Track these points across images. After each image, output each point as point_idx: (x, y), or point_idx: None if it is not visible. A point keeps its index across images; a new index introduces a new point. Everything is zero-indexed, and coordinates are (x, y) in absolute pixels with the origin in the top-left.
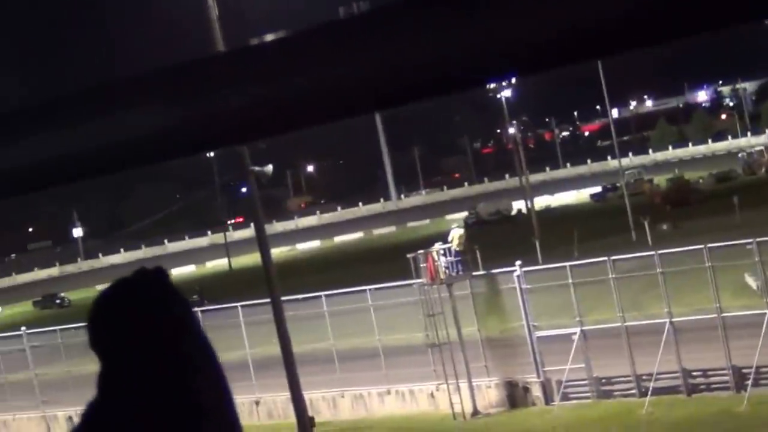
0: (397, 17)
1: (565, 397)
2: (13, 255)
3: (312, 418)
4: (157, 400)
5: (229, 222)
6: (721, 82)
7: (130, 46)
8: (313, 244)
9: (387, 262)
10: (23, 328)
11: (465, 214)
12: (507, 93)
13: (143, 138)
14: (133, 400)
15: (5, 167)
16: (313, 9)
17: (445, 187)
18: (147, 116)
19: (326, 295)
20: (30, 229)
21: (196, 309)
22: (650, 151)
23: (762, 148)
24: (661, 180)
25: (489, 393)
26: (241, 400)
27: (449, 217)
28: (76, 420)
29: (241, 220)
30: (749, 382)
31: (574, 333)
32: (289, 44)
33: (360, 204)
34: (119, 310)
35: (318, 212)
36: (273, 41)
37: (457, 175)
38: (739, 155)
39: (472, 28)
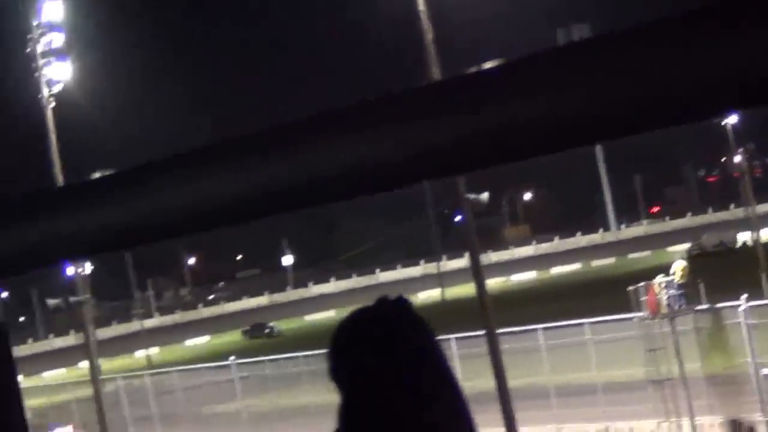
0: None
1: None
2: (221, 283)
3: None
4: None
5: (652, 210)
6: None
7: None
8: (529, 275)
9: (606, 295)
10: (232, 357)
11: (688, 245)
12: (732, 120)
13: (375, 166)
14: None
15: (238, 195)
16: (530, 32)
17: (667, 218)
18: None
19: (543, 328)
20: (239, 258)
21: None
22: None
23: None
24: None
25: None
26: None
27: (671, 248)
28: None
29: (657, 209)
30: None
31: None
32: (517, 69)
33: (578, 234)
34: (361, 339)
35: (534, 242)
36: (503, 65)
37: (655, 210)
38: None
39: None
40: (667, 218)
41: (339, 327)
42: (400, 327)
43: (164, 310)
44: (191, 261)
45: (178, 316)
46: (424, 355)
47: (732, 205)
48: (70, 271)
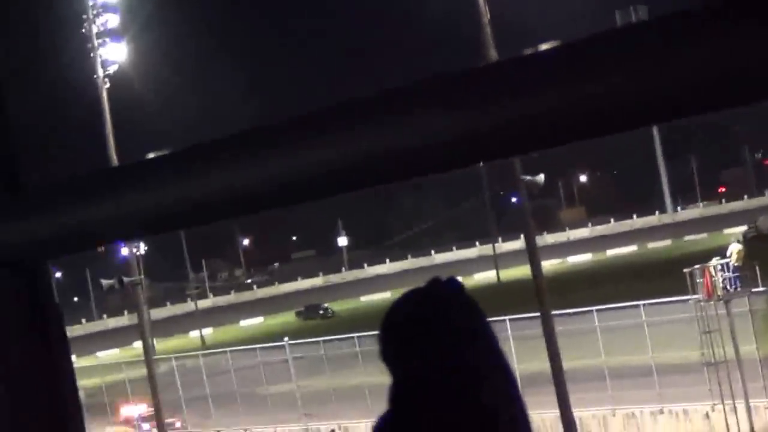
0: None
1: None
2: (276, 264)
3: None
4: (449, 414)
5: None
6: None
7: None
8: (585, 257)
9: (661, 277)
10: (286, 338)
11: (744, 228)
12: None
13: (430, 146)
14: (425, 414)
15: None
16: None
17: (723, 200)
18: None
19: (598, 310)
20: (294, 238)
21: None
22: None
23: None
24: None
25: (767, 414)
26: None
27: (727, 231)
28: None
29: (722, 190)
30: None
31: None
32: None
33: (634, 216)
34: (413, 320)
35: (590, 224)
36: (556, 48)
37: (721, 190)
38: None
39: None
40: (723, 201)
41: (390, 308)
42: (451, 308)
43: (219, 291)
44: (246, 242)
45: (232, 297)
46: (475, 337)
47: None
48: (124, 251)
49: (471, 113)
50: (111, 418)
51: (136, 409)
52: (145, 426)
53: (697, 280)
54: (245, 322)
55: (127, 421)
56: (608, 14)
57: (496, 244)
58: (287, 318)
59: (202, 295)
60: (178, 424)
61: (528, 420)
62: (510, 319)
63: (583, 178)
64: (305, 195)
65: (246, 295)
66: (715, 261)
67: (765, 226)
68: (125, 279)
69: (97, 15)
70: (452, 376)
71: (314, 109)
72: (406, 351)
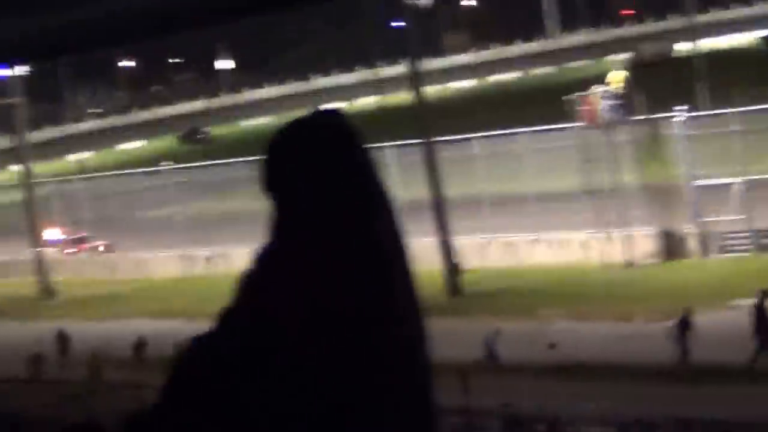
0: None
1: (722, 250)
2: (157, 87)
3: (459, 265)
4: (337, 243)
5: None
6: None
7: None
8: (468, 83)
9: (544, 104)
10: (166, 163)
11: (627, 55)
12: None
13: None
14: (314, 244)
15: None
16: None
17: (607, 26)
18: None
19: (479, 138)
20: (174, 61)
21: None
22: None
23: None
24: None
25: (644, 243)
26: None
27: (611, 58)
28: (215, 260)
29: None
30: None
31: (736, 183)
32: None
33: (518, 42)
34: (297, 151)
35: (474, 50)
36: None
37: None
38: None
39: None
40: (607, 27)
41: (273, 138)
42: (334, 140)
43: (98, 114)
44: (126, 65)
45: (112, 120)
46: (358, 168)
47: (671, 15)
48: (4, 72)
49: None
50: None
51: (52, 232)
52: (72, 249)
53: (579, 108)
54: (125, 146)
55: (50, 244)
56: None
57: (379, 70)
58: (168, 142)
59: (81, 118)
60: (101, 248)
61: (408, 254)
62: (392, 146)
63: (467, 2)
64: (196, 19)
65: (126, 119)
66: (597, 88)
67: (648, 53)
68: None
69: None
70: (336, 208)
71: None
72: (288, 182)
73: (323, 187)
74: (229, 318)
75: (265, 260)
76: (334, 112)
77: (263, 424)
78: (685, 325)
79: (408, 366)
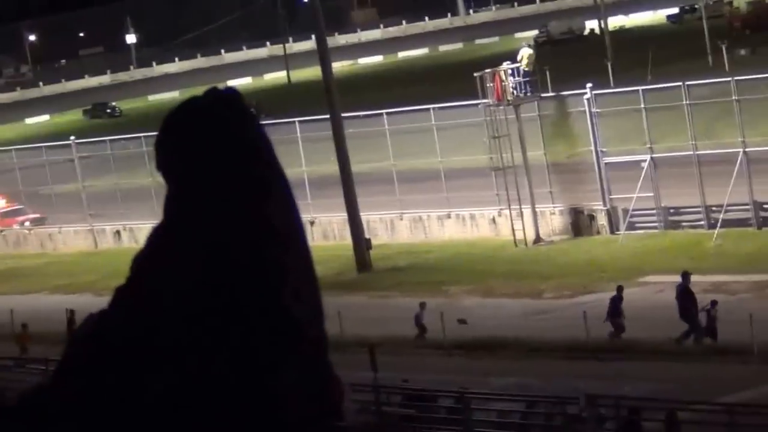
0: None
1: (631, 227)
2: (63, 61)
3: (369, 240)
4: (229, 224)
5: None
6: None
7: None
8: (376, 59)
9: (452, 81)
10: (72, 137)
11: (535, 32)
12: None
13: None
14: (204, 225)
15: None
16: None
17: (516, 3)
18: None
19: (387, 113)
20: (81, 34)
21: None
22: None
23: None
24: (741, 2)
25: (553, 220)
26: None
27: (519, 35)
28: (124, 235)
29: None
30: None
31: (644, 160)
32: None
33: (426, 18)
34: (190, 131)
35: (382, 26)
36: None
37: None
38: None
39: None
40: (516, 4)
41: (166, 118)
42: (228, 119)
43: (3, 88)
44: (32, 38)
45: (17, 94)
46: (252, 148)
47: None
48: None
49: None
50: None
51: None
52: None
53: (488, 85)
54: (31, 120)
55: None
56: None
57: (288, 45)
58: (74, 116)
59: None
60: (27, 222)
61: (304, 232)
62: (299, 121)
63: None
64: None
65: (32, 92)
66: (505, 65)
67: (556, 30)
68: None
69: None
70: (226, 187)
71: None
72: (182, 162)
73: (213, 166)
74: (120, 296)
75: (156, 240)
76: (229, 90)
77: (148, 402)
78: (618, 300)
79: (296, 341)
